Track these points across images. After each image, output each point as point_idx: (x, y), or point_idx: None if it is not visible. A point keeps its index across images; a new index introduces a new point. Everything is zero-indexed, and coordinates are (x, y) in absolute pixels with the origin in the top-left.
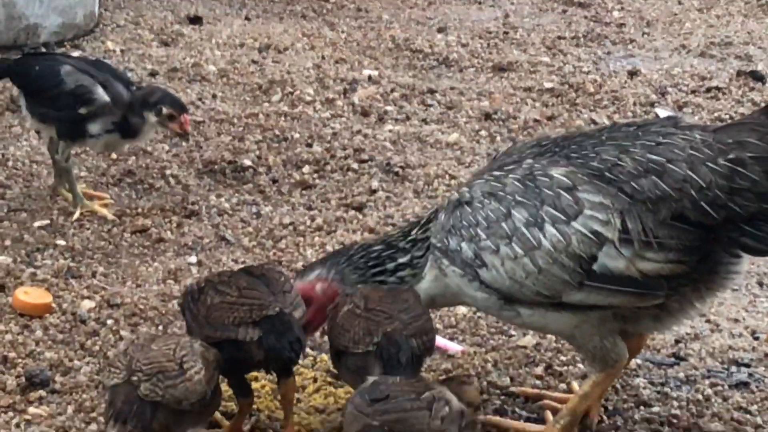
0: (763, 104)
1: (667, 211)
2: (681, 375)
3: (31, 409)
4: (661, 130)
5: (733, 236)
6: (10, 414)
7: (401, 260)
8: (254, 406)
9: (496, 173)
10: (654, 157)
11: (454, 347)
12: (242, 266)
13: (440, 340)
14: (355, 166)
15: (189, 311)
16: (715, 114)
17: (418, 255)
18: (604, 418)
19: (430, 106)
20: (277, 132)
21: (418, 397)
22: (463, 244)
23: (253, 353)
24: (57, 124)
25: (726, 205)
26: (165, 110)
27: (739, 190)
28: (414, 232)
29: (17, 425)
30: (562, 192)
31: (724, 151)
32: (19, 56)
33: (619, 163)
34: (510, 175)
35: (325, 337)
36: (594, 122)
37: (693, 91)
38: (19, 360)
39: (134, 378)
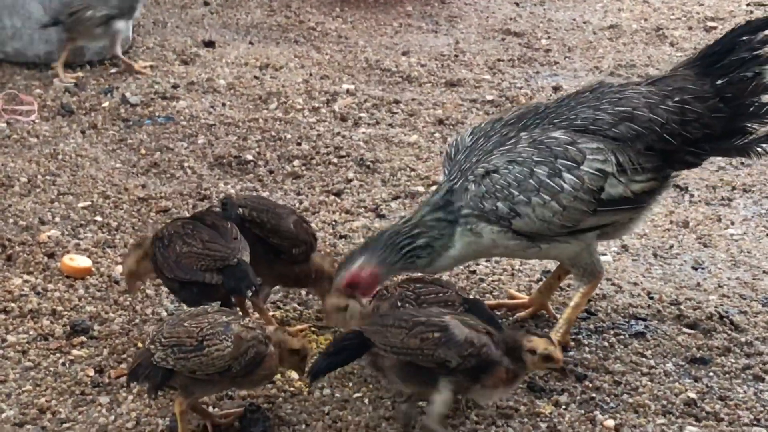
0: None
1: (642, 145)
2: (591, 326)
3: (74, 351)
4: (614, 90)
5: (681, 156)
6: (57, 355)
7: (431, 234)
8: None
9: (504, 148)
10: (622, 108)
11: None
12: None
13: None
14: (335, 160)
15: (160, 254)
16: None
17: (443, 228)
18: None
19: (396, 113)
20: (273, 133)
21: (410, 319)
22: (498, 204)
23: (216, 292)
24: None
25: (680, 134)
26: None
27: (689, 122)
28: (427, 213)
29: (63, 364)
30: (567, 146)
31: (670, 95)
32: None
33: (597, 118)
34: (519, 146)
35: (311, 295)
36: None
37: None
38: (65, 312)
39: (152, 346)
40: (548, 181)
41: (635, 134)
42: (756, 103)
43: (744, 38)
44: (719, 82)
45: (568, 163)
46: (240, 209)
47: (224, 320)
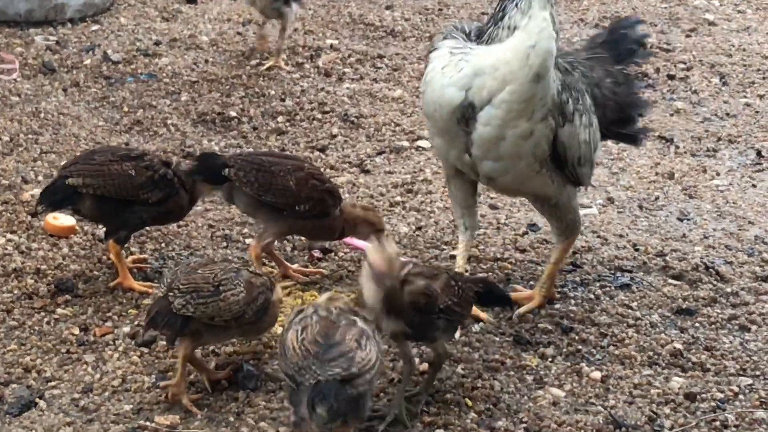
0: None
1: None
2: (577, 279)
3: (59, 310)
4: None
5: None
6: (42, 314)
7: None
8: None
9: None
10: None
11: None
12: None
13: (358, 242)
14: (319, 116)
15: None
16: None
17: None
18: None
19: (380, 68)
20: (256, 89)
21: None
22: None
23: None
24: None
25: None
26: None
27: (608, 104)
28: None
29: (48, 322)
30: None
31: (606, 76)
32: None
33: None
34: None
35: (296, 252)
36: None
37: None
38: (50, 271)
39: (170, 294)
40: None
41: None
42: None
43: (625, 32)
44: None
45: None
46: (226, 169)
47: (234, 266)
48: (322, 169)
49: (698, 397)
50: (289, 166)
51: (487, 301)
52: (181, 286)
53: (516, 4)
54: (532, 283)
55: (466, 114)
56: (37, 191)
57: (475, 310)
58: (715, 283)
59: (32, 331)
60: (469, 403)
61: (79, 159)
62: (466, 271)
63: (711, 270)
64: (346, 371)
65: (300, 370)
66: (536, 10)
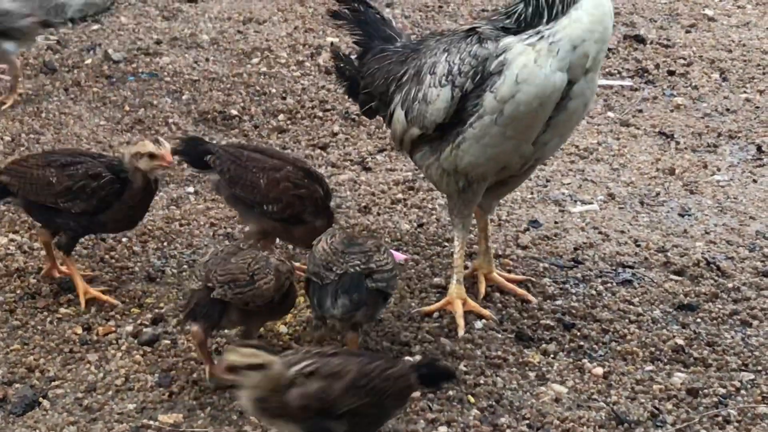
0: (643, 61)
1: None
2: (579, 275)
3: (62, 310)
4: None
5: None
6: (45, 313)
7: None
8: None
9: None
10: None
11: (399, 256)
12: None
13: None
14: (320, 114)
15: None
16: (607, 69)
17: None
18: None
19: None
20: (257, 88)
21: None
22: None
23: None
24: None
25: None
26: None
27: None
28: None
29: (51, 322)
30: None
31: None
32: None
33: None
34: None
35: (298, 249)
36: None
37: None
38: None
39: (209, 285)
40: None
41: None
42: None
43: None
44: None
45: None
46: (208, 156)
47: (264, 255)
48: (324, 168)
49: (700, 392)
50: (268, 165)
51: (431, 381)
52: (219, 277)
53: None
54: (533, 278)
55: (564, 95)
56: None
57: (478, 308)
58: (716, 278)
59: (35, 331)
60: (472, 399)
61: (27, 157)
62: (466, 268)
63: (712, 265)
64: (365, 264)
65: (327, 264)
66: None
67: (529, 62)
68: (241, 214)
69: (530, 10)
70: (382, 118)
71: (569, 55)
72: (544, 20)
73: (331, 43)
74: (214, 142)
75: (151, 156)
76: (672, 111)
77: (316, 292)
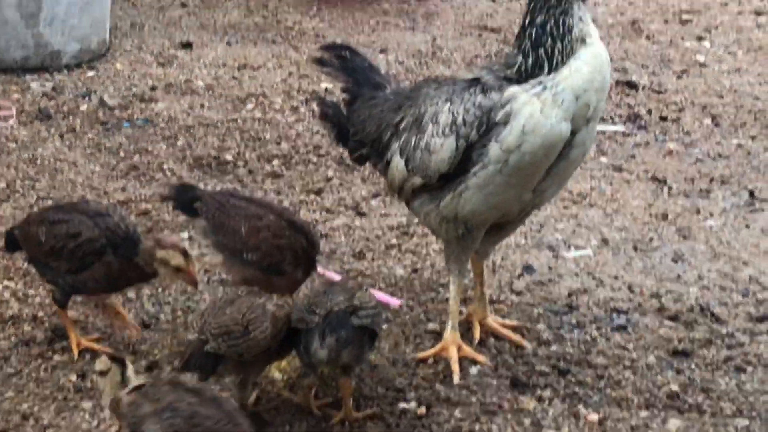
0: (635, 107)
1: None
2: (573, 321)
3: (56, 357)
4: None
5: None
6: (39, 361)
7: None
8: None
9: None
10: None
11: (394, 302)
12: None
13: (382, 296)
14: (314, 159)
15: None
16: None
17: None
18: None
19: None
20: (252, 133)
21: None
22: None
23: None
24: None
25: None
26: None
27: None
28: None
29: (45, 369)
30: None
31: None
32: None
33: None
34: None
35: None
36: None
37: None
38: (46, 318)
39: (203, 337)
40: None
41: None
42: None
43: None
44: None
45: None
46: (196, 202)
47: (260, 302)
48: (318, 213)
49: None
50: (251, 212)
51: None
52: (213, 330)
53: (569, 17)
54: (528, 324)
55: (566, 144)
56: None
57: (473, 353)
58: (710, 324)
59: (29, 378)
60: None
61: (40, 211)
62: (461, 313)
63: (706, 311)
64: (348, 301)
65: (309, 307)
66: (588, 18)
67: (535, 112)
68: (225, 262)
69: (530, 61)
70: (373, 165)
71: (572, 105)
72: (545, 71)
73: (326, 89)
74: (209, 188)
75: (177, 269)
76: (664, 156)
77: (303, 338)
